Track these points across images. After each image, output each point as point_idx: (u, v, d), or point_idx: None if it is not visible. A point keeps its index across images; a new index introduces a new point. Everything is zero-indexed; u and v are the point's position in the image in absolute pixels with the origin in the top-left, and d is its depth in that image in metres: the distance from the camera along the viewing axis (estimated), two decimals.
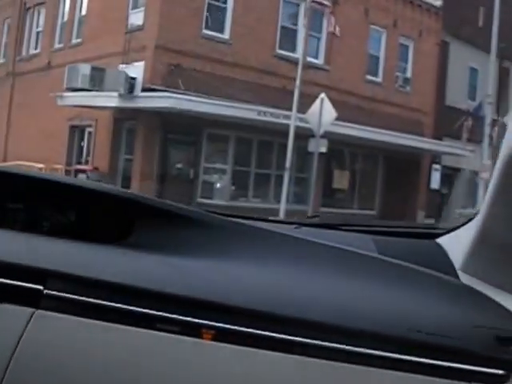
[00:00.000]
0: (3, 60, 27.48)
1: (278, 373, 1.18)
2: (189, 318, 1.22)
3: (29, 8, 25.85)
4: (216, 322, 1.22)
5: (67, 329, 1.20)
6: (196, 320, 1.22)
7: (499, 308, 1.31)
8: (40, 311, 1.21)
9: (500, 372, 1.19)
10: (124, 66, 18.47)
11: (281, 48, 20.85)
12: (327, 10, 20.16)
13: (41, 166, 20.58)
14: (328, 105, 16.47)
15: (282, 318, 1.23)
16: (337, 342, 1.21)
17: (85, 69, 18.13)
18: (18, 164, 21.64)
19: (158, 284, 1.25)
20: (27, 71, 24.75)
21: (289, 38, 21.07)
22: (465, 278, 1.43)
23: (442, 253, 1.56)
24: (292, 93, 17.26)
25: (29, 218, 1.49)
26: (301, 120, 16.93)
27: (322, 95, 16.58)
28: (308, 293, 1.29)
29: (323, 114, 16.33)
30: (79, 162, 21.22)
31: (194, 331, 1.21)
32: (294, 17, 21.34)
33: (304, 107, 16.77)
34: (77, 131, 21.84)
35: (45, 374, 1.15)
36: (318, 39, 21.82)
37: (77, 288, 1.24)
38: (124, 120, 19.66)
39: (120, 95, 17.85)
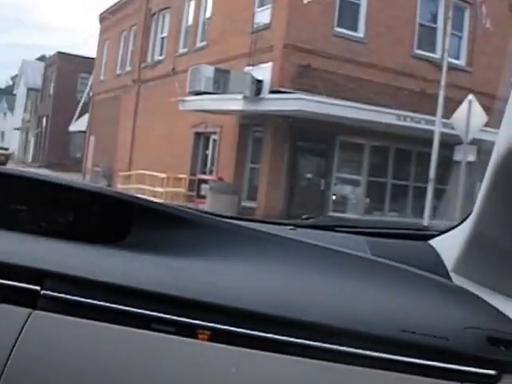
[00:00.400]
0: (129, 68, 28.02)
1: (273, 373, 1.19)
2: (184, 319, 1.23)
3: (154, 14, 26.19)
4: (211, 322, 1.23)
5: (64, 329, 1.22)
6: (191, 320, 1.23)
7: (491, 309, 1.35)
8: (37, 311, 1.22)
9: (492, 372, 1.21)
10: (250, 68, 17.49)
11: (419, 48, 19.34)
12: (478, 0, 18.32)
13: (163, 175, 20.43)
14: (477, 108, 14.71)
15: (277, 318, 1.24)
16: (330, 343, 1.22)
17: (208, 71, 17.18)
18: (140, 173, 21.81)
19: (155, 285, 1.27)
20: (152, 78, 24.96)
21: (428, 36, 19.55)
22: (457, 280, 1.48)
23: (434, 254, 1.60)
24: (431, 96, 15.91)
25: (27, 218, 1.48)
26: (445, 125, 15.22)
27: (470, 97, 14.83)
28: (302, 293, 1.31)
29: (471, 118, 14.56)
30: (203, 172, 20.72)
31: (189, 332, 1.23)
32: (433, 14, 19.74)
33: (445, 112, 15.26)
34: (201, 139, 21.37)
35: (42, 373, 1.16)
36: (459, 38, 20.11)
37: (74, 289, 1.26)
38: (250, 126, 18.73)
39: (245, 97, 16.72)
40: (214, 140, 20.45)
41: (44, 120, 45.64)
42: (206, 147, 21.04)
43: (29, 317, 1.20)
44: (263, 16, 17.98)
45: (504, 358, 1.23)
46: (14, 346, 1.15)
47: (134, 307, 1.23)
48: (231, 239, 1.42)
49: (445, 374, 1.20)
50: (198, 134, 21.24)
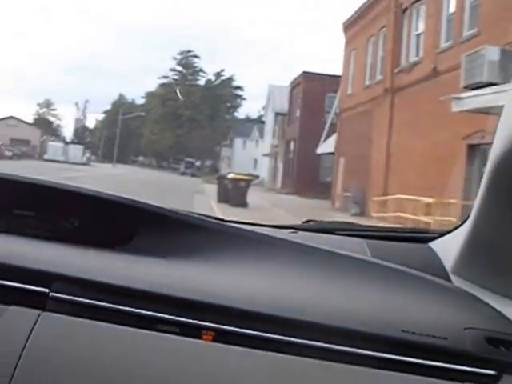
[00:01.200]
0: (380, 76, 25.44)
1: (276, 373, 1.21)
2: (189, 320, 1.26)
3: (405, 9, 23.26)
4: (215, 323, 1.26)
5: (72, 330, 1.24)
6: (196, 321, 1.26)
7: (490, 310, 1.39)
8: (46, 313, 1.26)
9: (492, 372, 1.24)
10: None
11: None
12: None
13: (429, 200, 17.32)
14: None
15: (279, 319, 1.28)
16: (331, 343, 1.25)
17: (492, 53, 13.11)
18: (398, 198, 19.51)
19: (160, 286, 1.31)
20: (408, 84, 21.98)
21: None
22: (457, 281, 1.52)
23: (434, 256, 1.65)
24: None
25: (36, 223, 1.53)
26: None
27: None
28: (303, 295, 1.36)
29: None
30: None
31: (194, 332, 1.25)
32: None
33: None
34: (477, 152, 17.15)
35: (51, 374, 1.18)
36: None
37: (81, 291, 1.29)
38: None
39: None
40: None
41: (292, 144, 44.00)
42: (484, 163, 16.57)
43: (38, 318, 1.23)
44: None
45: (504, 358, 1.25)
46: (24, 347, 1.18)
47: (139, 309, 1.27)
48: (234, 242, 1.47)
49: (445, 374, 1.23)
50: (472, 147, 17.11)
